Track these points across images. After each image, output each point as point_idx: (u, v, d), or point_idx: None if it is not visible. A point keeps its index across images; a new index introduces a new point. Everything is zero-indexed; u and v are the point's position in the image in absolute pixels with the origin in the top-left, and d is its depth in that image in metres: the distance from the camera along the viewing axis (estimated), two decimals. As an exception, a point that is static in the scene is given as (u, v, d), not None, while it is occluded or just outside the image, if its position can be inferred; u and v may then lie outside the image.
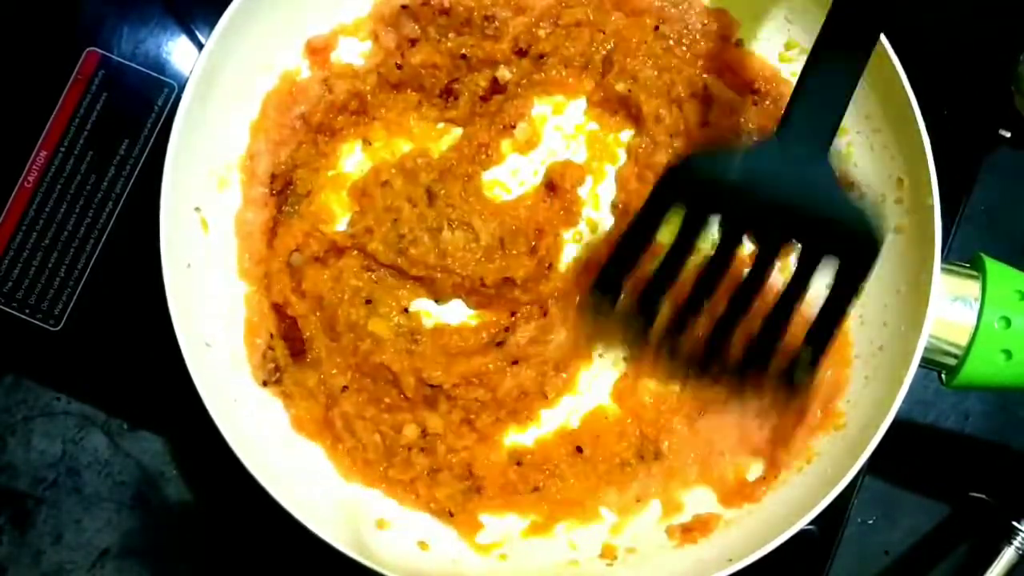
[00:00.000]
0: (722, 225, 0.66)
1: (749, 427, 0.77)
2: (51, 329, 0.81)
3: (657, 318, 0.68)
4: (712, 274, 0.67)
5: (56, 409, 0.83)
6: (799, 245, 0.65)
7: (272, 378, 0.76)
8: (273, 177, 0.77)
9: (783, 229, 0.65)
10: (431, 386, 0.76)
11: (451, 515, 0.75)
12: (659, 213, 0.66)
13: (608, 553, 0.75)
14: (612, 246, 0.68)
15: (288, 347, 0.76)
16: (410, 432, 0.76)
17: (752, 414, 0.77)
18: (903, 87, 0.71)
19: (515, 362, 0.77)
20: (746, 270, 0.66)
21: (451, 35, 0.79)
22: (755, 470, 0.77)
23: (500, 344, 0.77)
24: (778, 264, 0.67)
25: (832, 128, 0.65)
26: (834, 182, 0.64)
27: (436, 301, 0.79)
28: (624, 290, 0.68)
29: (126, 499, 0.82)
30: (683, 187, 0.66)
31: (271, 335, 0.76)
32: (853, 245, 0.64)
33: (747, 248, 0.67)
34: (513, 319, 0.78)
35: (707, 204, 0.66)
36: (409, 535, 0.75)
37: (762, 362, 0.66)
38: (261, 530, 0.77)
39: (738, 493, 0.76)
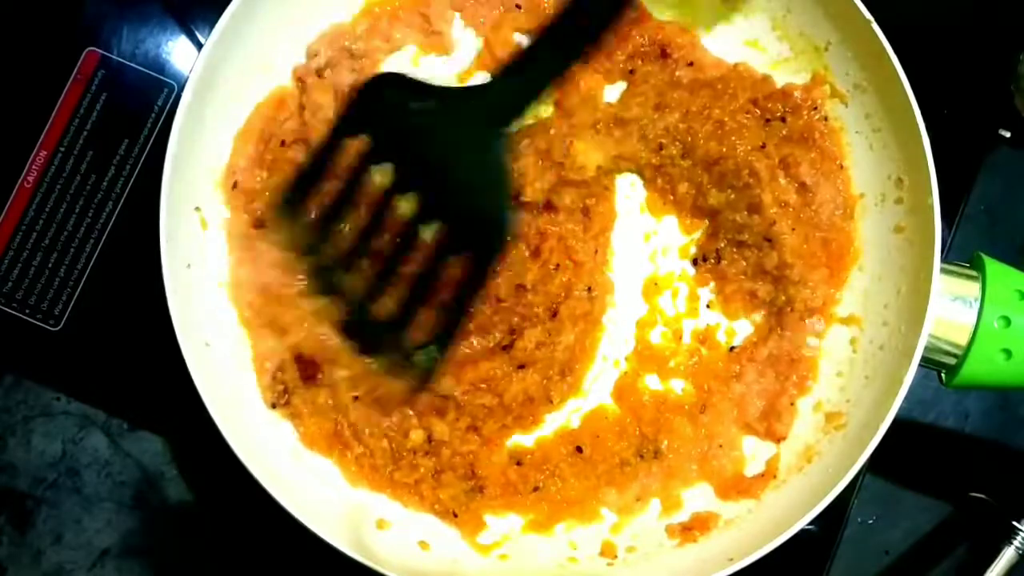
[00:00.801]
0: (393, 167, 0.71)
1: (748, 405, 0.78)
2: (51, 329, 0.81)
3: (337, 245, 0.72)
4: (376, 220, 0.72)
5: (56, 409, 0.83)
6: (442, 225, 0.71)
7: (281, 400, 0.75)
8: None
9: (436, 190, 0.71)
10: (442, 396, 0.76)
11: (455, 516, 0.75)
12: (339, 135, 0.71)
13: (608, 552, 0.75)
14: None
15: (300, 371, 0.76)
16: (416, 437, 0.76)
17: (754, 391, 0.78)
18: (903, 87, 0.71)
19: (521, 366, 0.77)
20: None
21: None
22: (754, 467, 0.77)
23: (506, 348, 0.77)
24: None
25: (521, 110, 0.73)
26: (500, 158, 0.71)
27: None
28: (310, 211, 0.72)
29: (126, 499, 0.82)
30: (369, 111, 0.72)
31: (281, 360, 0.76)
32: (485, 237, 0.71)
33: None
34: (517, 321, 0.78)
35: (384, 141, 0.71)
36: (410, 535, 0.75)
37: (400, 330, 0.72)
38: (261, 530, 0.77)
39: (735, 487, 0.76)
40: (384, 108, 0.72)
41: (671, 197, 0.81)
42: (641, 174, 0.81)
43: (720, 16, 0.81)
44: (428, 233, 0.72)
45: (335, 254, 0.72)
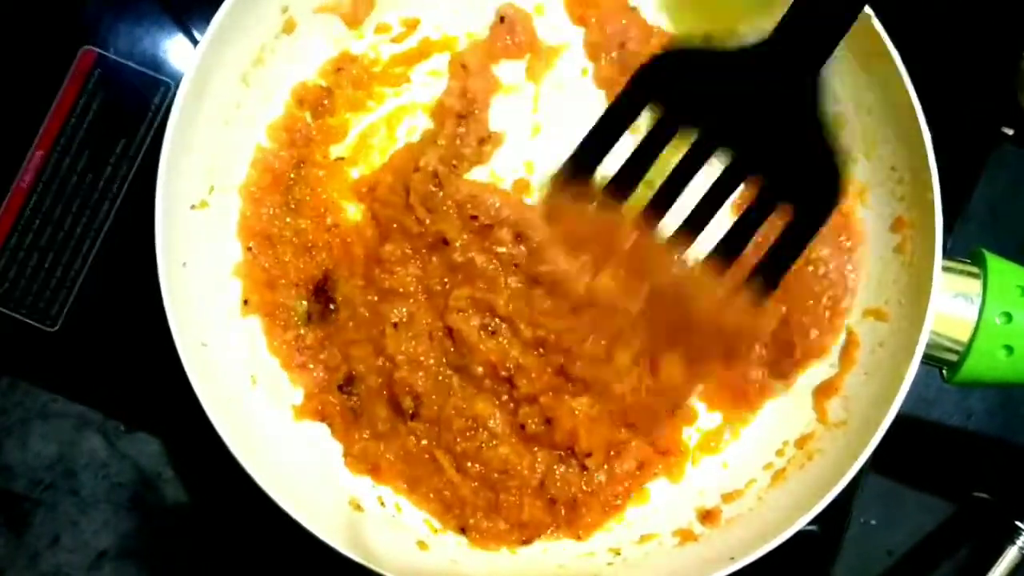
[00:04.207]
0: (695, 135, 0.66)
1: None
2: (48, 330, 0.81)
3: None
4: (677, 181, 0.67)
5: (53, 410, 0.82)
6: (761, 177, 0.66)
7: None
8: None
9: (750, 150, 0.65)
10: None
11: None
12: (632, 109, 0.66)
13: (610, 550, 0.75)
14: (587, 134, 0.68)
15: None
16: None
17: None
18: (904, 83, 0.71)
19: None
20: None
21: None
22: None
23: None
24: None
25: (832, 43, 0.64)
26: (815, 106, 0.64)
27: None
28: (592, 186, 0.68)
29: (123, 500, 0.82)
30: (657, 86, 0.66)
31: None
32: (813, 192, 0.65)
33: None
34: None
35: (681, 109, 0.66)
36: (409, 535, 0.75)
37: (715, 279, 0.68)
38: (259, 531, 0.77)
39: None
40: (674, 81, 0.66)
41: None
42: None
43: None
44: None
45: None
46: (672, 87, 0.66)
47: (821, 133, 0.65)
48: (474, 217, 0.75)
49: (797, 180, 0.65)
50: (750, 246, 0.67)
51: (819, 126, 0.65)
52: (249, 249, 0.77)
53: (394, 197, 0.77)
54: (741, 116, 0.65)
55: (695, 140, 0.66)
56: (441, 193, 0.76)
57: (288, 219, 0.78)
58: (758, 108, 0.65)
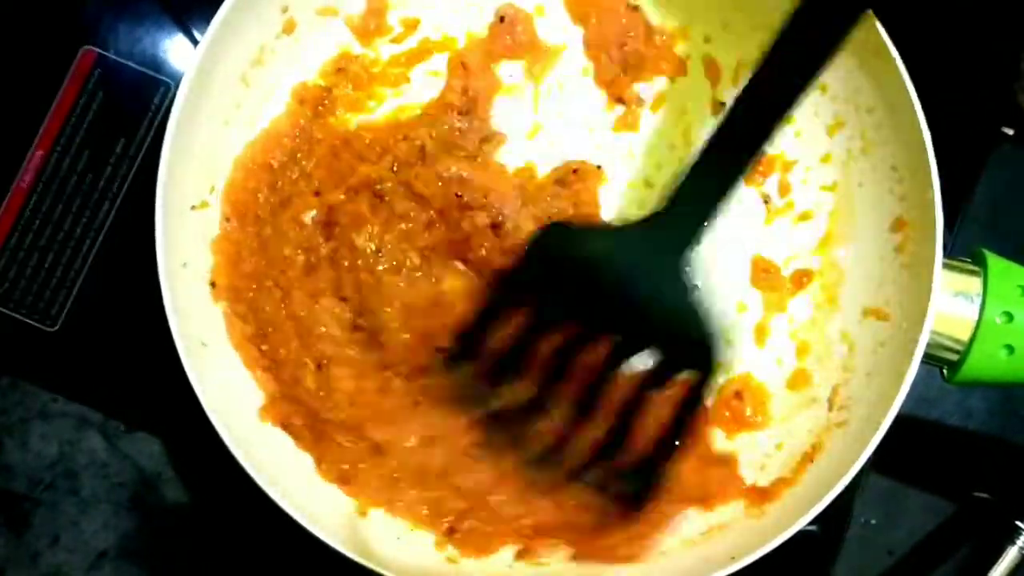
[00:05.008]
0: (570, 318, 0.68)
1: None
2: (48, 330, 0.81)
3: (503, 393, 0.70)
4: (560, 367, 0.68)
5: (53, 411, 0.82)
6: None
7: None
8: None
9: (630, 327, 0.68)
10: None
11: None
12: (514, 291, 0.69)
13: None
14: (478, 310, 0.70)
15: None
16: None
17: None
18: (904, 83, 0.71)
19: None
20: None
21: None
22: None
23: None
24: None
25: (699, 230, 0.67)
26: (684, 284, 0.67)
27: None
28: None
29: (124, 501, 0.82)
30: (527, 285, 0.69)
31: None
32: (694, 359, 0.68)
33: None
34: None
35: (556, 288, 0.68)
36: (410, 535, 0.74)
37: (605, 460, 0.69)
38: (260, 531, 0.77)
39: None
40: (552, 261, 0.68)
41: None
42: None
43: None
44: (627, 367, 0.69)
45: (514, 403, 0.70)
46: (548, 272, 0.68)
47: (693, 304, 0.67)
48: (459, 195, 0.74)
49: (681, 352, 0.68)
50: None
51: (689, 297, 0.67)
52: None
53: (370, 153, 0.76)
54: (617, 296, 0.68)
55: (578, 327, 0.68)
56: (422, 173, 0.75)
57: None
58: (634, 284, 0.67)
